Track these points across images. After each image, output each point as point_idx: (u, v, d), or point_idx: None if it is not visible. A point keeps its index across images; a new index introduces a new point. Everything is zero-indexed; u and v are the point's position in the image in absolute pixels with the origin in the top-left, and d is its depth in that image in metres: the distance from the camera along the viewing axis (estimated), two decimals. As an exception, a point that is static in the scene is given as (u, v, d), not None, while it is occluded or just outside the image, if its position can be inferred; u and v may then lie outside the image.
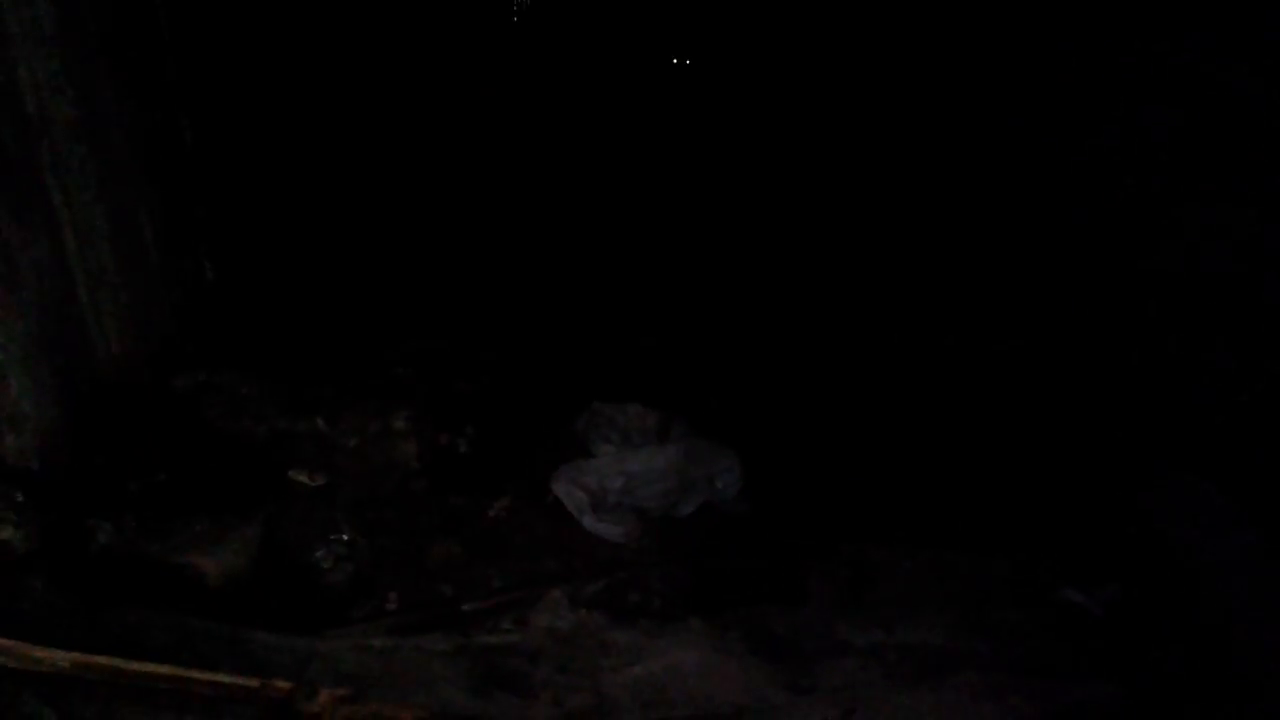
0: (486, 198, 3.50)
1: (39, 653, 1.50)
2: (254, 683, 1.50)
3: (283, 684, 1.50)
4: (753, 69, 3.64)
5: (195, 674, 1.51)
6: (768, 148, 3.63)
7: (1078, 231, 3.00)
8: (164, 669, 1.52)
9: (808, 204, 3.56)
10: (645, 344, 3.28)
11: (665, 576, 2.28)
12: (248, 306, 2.93)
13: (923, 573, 2.41)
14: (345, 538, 2.23)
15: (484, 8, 3.42)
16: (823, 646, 2.05)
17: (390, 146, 3.43)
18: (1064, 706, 1.88)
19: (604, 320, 3.38)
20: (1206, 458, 2.50)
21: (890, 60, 3.45)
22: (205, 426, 2.44)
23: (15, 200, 2.07)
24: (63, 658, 1.51)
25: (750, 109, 3.60)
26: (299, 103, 3.21)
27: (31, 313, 2.13)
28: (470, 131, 3.52)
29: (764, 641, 2.03)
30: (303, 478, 2.38)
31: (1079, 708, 1.89)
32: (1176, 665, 2.18)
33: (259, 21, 3.06)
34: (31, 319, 2.12)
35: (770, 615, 2.15)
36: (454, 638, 1.91)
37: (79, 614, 1.73)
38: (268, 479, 2.35)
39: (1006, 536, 2.58)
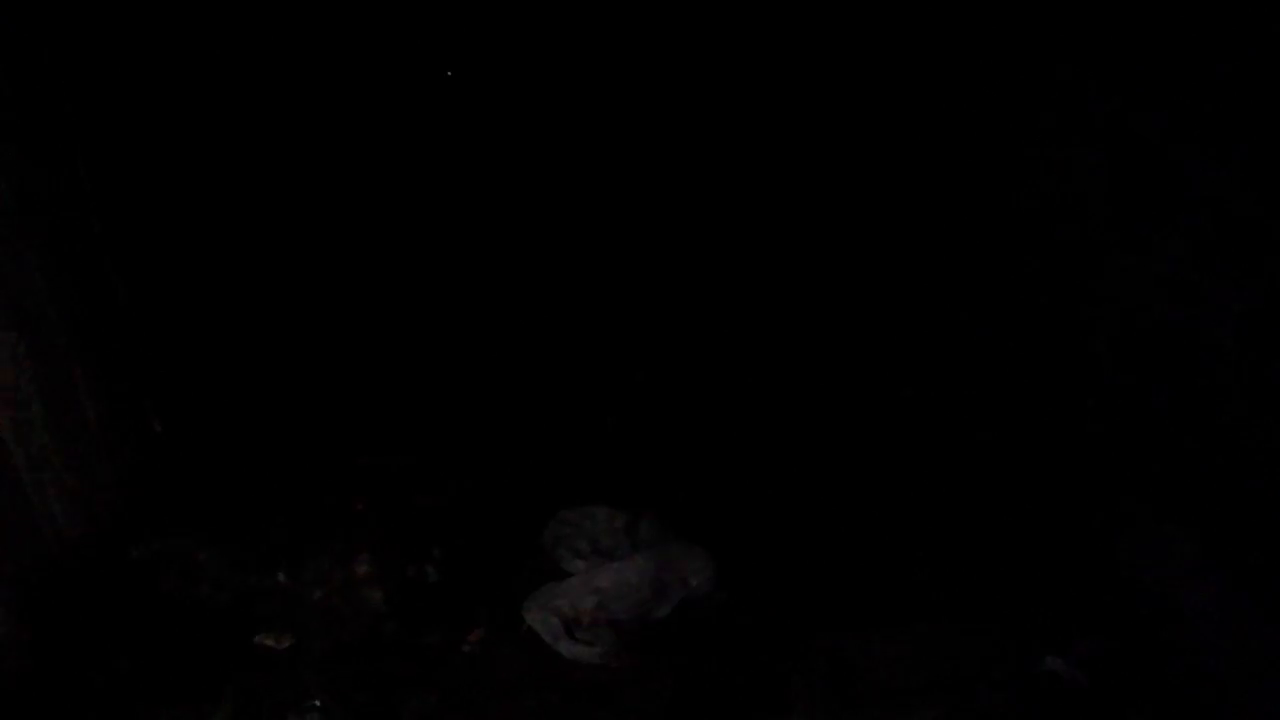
0: (427, 301, 3.46)
1: None
2: None
3: None
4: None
5: None
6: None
7: (1030, 280, 3.01)
8: None
9: (764, 277, 3.56)
10: (608, 427, 3.25)
11: (645, 700, 2.25)
12: (199, 454, 2.88)
13: (904, 658, 2.40)
14: (318, 703, 2.20)
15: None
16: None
17: (324, 266, 3.39)
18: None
19: (563, 410, 3.35)
20: (1169, 504, 2.51)
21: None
22: (165, 599, 2.39)
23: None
24: None
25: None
26: (224, 234, 3.17)
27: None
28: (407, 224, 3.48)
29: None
30: (269, 641, 2.34)
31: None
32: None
33: (174, 171, 3.02)
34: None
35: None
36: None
37: None
38: (233, 648, 2.31)
39: (986, 601, 2.59)
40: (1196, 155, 2.38)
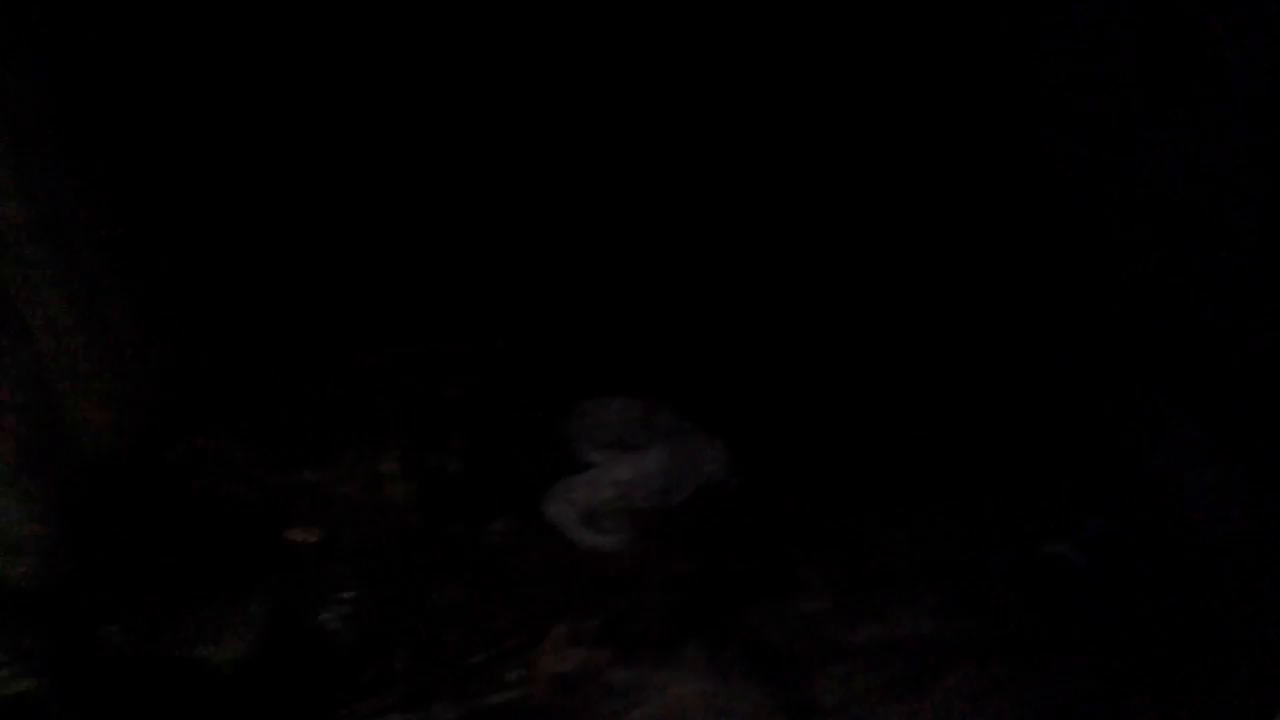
0: (444, 184, 3.43)
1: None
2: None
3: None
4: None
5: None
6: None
7: (1051, 156, 2.94)
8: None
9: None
10: (631, 317, 3.26)
11: (663, 588, 2.34)
12: (227, 356, 2.94)
13: (912, 541, 2.47)
14: (349, 595, 2.31)
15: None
16: (818, 651, 2.13)
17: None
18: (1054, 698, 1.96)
19: (585, 297, 3.35)
20: (1181, 388, 2.51)
21: None
22: (199, 499, 2.50)
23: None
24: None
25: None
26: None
27: (16, 429, 2.16)
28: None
29: (760, 658, 2.10)
30: (299, 536, 2.44)
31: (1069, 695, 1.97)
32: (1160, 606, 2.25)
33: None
34: (16, 436, 2.15)
35: (765, 620, 2.23)
36: (462, 704, 1.99)
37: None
38: (267, 543, 2.41)
39: (995, 486, 2.63)
40: (1230, 33, 2.28)
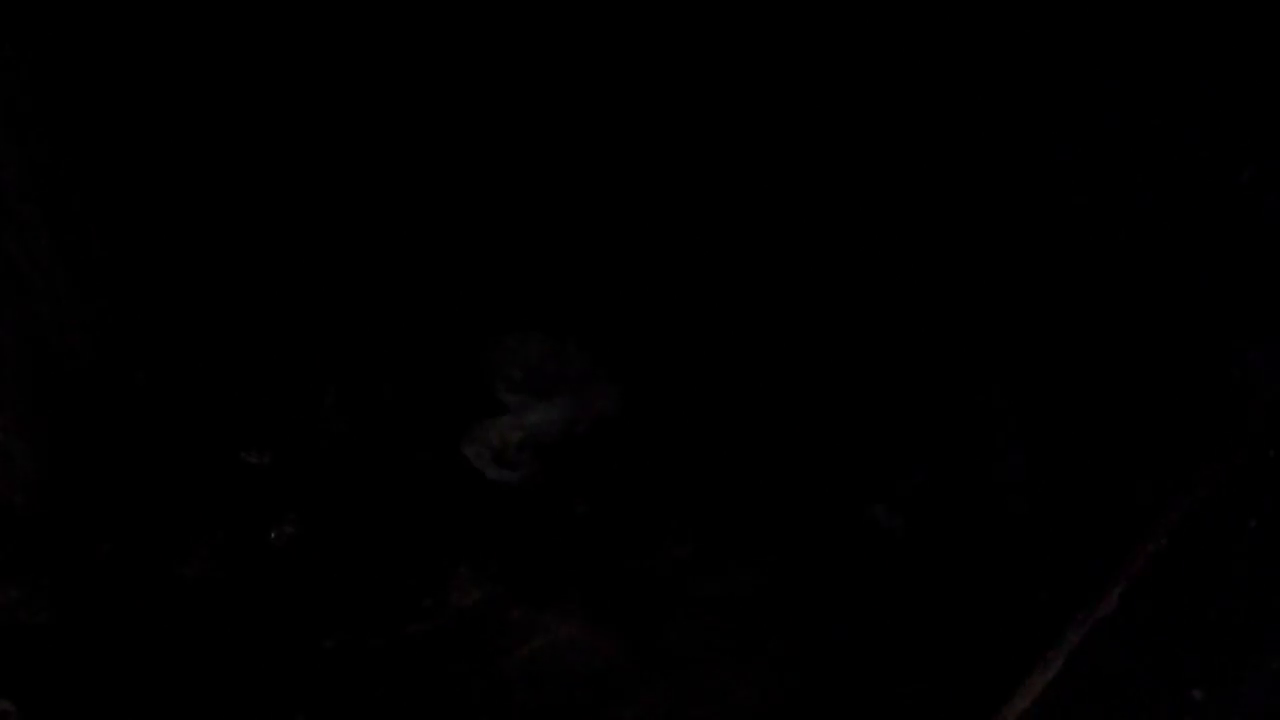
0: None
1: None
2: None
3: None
4: None
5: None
6: None
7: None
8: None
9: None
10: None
11: (557, 529, 2.87)
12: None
13: (754, 501, 2.98)
14: (292, 517, 2.80)
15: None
16: (676, 601, 2.69)
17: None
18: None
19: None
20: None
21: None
22: (165, 417, 2.90)
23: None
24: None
25: None
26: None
27: (15, 368, 2.52)
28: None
29: (626, 604, 2.67)
30: (254, 459, 2.89)
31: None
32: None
33: None
34: (16, 376, 2.52)
35: (637, 566, 2.78)
36: (388, 631, 2.55)
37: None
38: (224, 463, 2.86)
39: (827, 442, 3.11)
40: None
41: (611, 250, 3.48)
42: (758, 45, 3.19)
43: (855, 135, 3.07)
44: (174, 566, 2.61)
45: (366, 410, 3.07)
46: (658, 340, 3.35)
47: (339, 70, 3.25)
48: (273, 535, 2.75)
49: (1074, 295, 2.55)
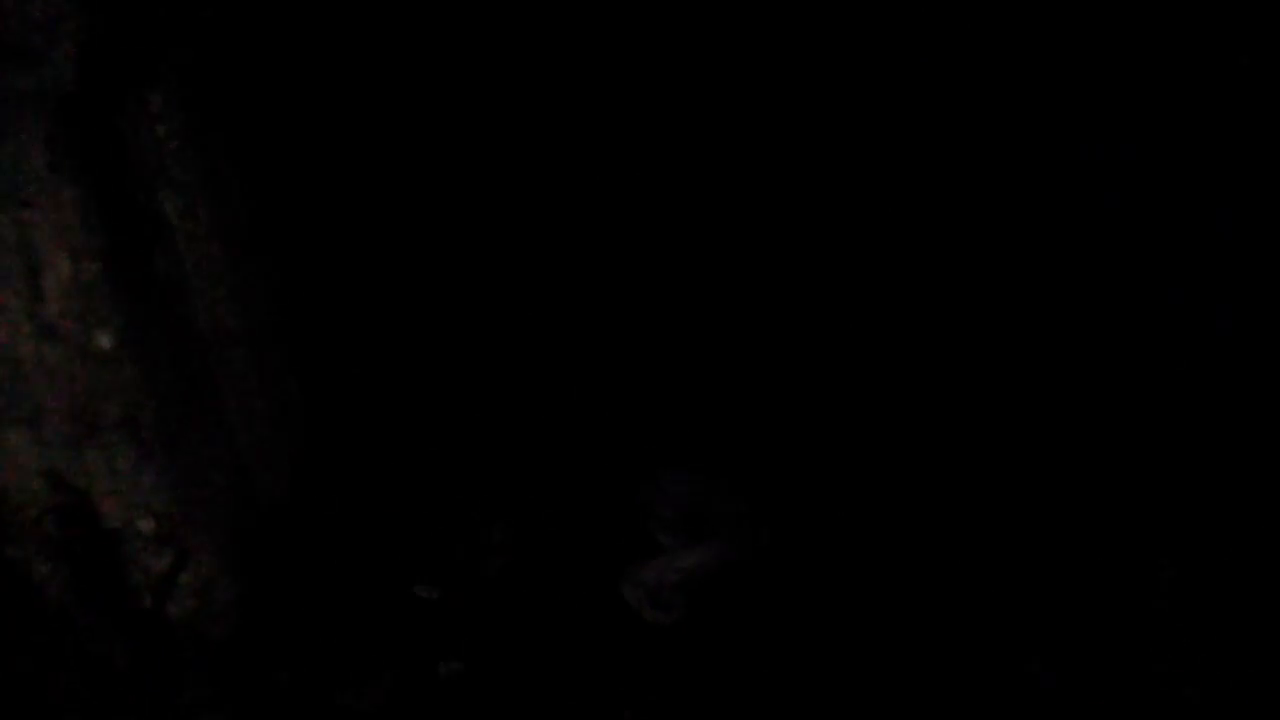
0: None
1: None
2: None
3: None
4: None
5: None
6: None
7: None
8: None
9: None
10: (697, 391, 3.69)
11: (706, 669, 2.93)
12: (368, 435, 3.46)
13: (906, 656, 3.00)
14: (461, 653, 2.91)
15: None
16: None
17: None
18: None
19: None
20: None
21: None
22: (343, 551, 3.08)
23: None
24: None
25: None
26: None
27: (222, 506, 2.72)
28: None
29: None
30: (424, 593, 3.03)
31: None
32: None
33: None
34: (224, 513, 2.72)
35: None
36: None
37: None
38: (396, 597, 3.01)
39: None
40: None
41: (766, 390, 3.61)
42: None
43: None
44: (348, 699, 2.73)
45: (530, 547, 3.20)
46: (810, 481, 3.43)
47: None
48: (440, 671, 2.86)
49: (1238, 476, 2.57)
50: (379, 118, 3.45)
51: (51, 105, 2.22)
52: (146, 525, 2.51)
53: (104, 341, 2.37)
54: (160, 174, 2.60)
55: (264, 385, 2.92)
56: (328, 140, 3.33)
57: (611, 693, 2.81)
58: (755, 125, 3.57)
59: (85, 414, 2.41)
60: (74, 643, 2.50)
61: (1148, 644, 2.84)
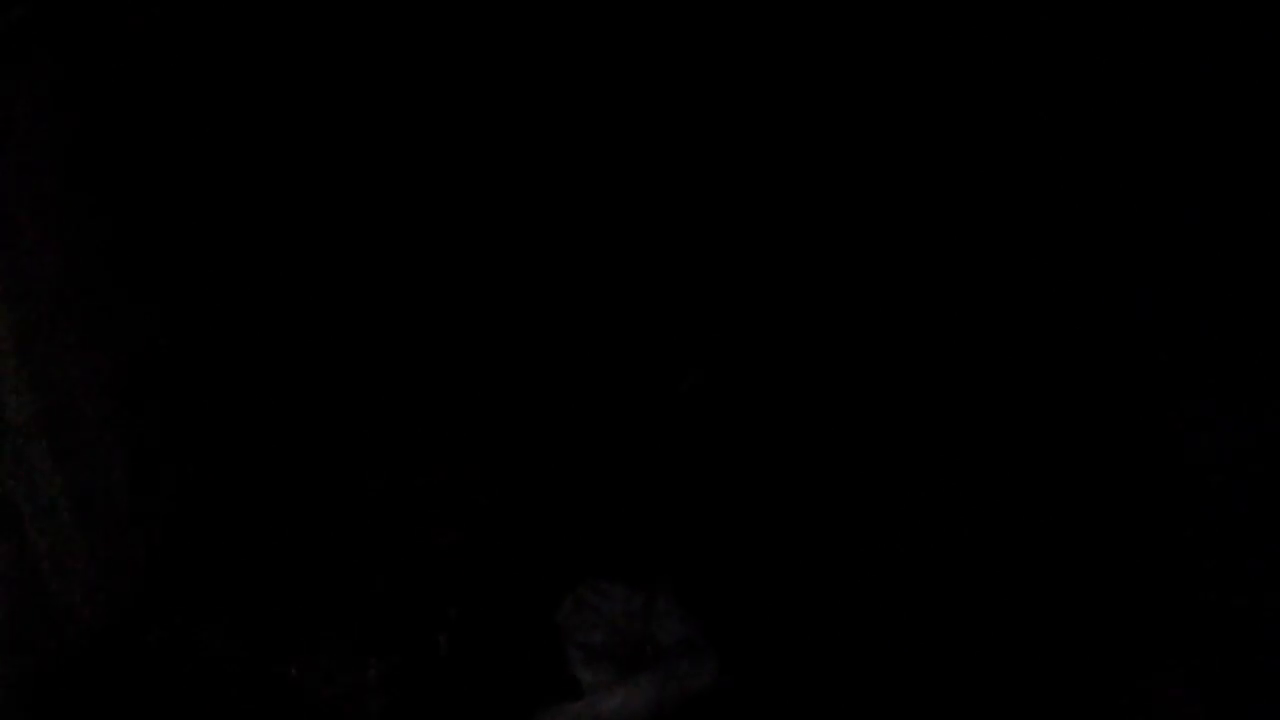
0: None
1: None
2: None
3: None
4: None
5: None
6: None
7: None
8: None
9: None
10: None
11: None
12: (221, 531, 2.88)
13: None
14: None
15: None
16: None
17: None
18: None
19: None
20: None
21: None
22: (177, 687, 2.47)
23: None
24: None
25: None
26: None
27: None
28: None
29: None
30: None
31: None
32: None
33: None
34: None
35: None
36: None
37: None
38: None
39: None
40: None
41: (725, 480, 3.02)
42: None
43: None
44: None
45: (414, 684, 2.59)
46: (777, 594, 2.81)
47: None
48: None
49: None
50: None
51: None
52: None
53: None
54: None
55: (70, 482, 2.32)
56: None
57: None
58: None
59: None
60: None
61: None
